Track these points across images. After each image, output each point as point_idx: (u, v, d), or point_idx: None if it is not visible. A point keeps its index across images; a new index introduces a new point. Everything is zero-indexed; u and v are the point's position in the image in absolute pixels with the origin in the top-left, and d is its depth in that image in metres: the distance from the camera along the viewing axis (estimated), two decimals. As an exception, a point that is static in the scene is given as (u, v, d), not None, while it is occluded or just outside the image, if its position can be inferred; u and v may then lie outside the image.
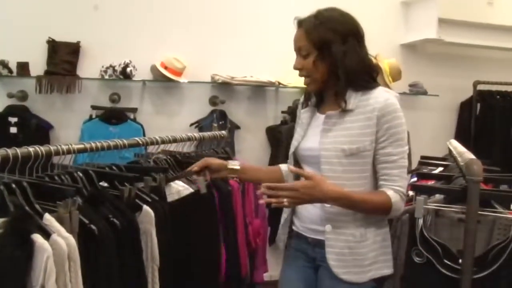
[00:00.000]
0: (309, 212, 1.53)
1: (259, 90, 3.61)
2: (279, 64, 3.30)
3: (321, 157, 1.46)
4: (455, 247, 1.49)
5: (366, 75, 1.50)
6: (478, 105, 4.03)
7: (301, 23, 1.50)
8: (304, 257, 1.59)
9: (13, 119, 3.10)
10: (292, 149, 1.61)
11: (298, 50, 1.50)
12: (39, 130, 3.14)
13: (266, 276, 2.59)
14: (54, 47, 3.14)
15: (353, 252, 1.46)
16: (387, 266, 1.52)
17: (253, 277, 2.37)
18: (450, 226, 1.55)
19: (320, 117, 1.55)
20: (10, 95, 3.13)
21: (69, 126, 3.24)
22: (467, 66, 4.07)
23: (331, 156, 1.45)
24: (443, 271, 1.48)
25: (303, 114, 1.63)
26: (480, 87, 3.99)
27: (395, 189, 1.43)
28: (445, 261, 1.48)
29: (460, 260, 1.45)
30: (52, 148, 1.36)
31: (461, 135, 3.94)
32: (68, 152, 1.40)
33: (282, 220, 1.67)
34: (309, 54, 1.47)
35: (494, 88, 4.02)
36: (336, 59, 1.45)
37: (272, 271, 2.60)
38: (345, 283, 1.46)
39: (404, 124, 1.46)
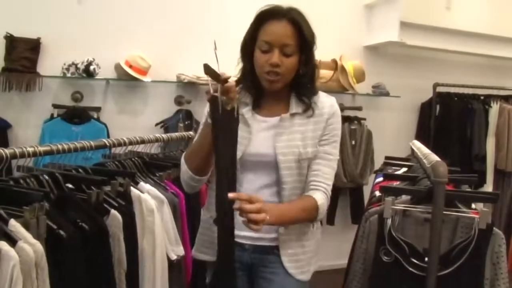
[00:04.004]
0: None
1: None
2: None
3: (280, 162, 1.41)
4: (421, 246, 1.53)
5: (314, 80, 1.50)
6: (438, 106, 4.17)
7: (289, 19, 1.38)
8: (238, 265, 1.45)
9: (-33, 118, 2.96)
10: (239, 154, 1.40)
11: (282, 46, 1.38)
12: (-4, 129, 3.01)
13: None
14: (12, 42, 3.00)
15: (305, 250, 1.49)
16: (319, 259, 1.58)
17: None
18: (415, 225, 1.60)
19: (263, 120, 1.48)
20: (-36, 93, 2.98)
21: (28, 125, 3.12)
22: (427, 68, 4.22)
23: (290, 160, 1.41)
24: (410, 269, 1.52)
25: None
26: (440, 89, 4.13)
27: (323, 188, 1.43)
28: (412, 259, 1.52)
29: (426, 258, 1.49)
30: (17, 150, 1.31)
31: (421, 135, 4.08)
32: (34, 154, 1.35)
33: (203, 229, 1.57)
34: (293, 54, 1.40)
35: (452, 90, 4.17)
36: (312, 63, 1.45)
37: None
38: (298, 281, 1.47)
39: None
